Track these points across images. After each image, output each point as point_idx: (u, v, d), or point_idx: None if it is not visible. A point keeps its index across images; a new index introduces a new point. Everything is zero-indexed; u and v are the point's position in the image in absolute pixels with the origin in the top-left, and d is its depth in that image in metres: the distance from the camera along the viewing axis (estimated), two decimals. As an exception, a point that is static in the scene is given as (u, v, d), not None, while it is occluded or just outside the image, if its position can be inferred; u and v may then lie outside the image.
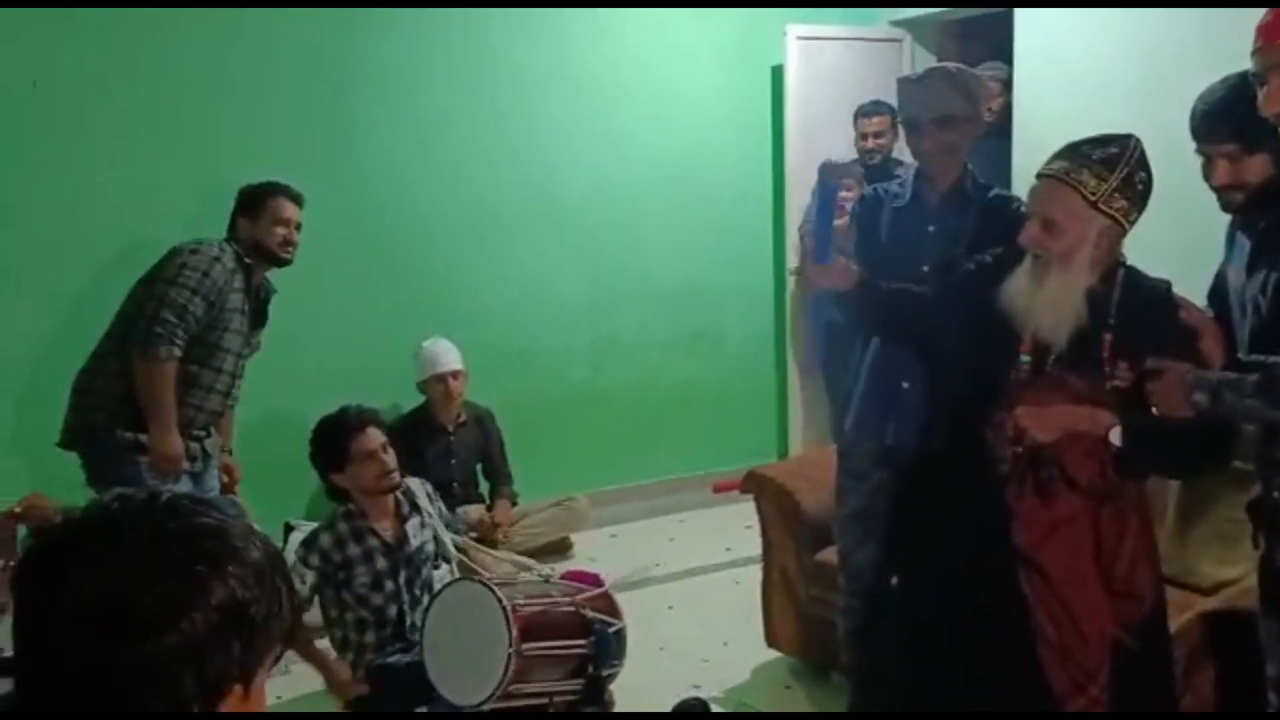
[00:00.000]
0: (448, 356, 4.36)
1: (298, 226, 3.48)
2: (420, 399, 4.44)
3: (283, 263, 3.48)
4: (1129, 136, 2.09)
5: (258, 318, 3.53)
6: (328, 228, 4.41)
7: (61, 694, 0.83)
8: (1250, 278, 2.08)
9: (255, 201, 3.43)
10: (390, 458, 3.09)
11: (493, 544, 4.12)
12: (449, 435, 4.40)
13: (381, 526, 3.11)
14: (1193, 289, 2.25)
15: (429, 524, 3.25)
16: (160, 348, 3.20)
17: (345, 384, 4.15)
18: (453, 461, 4.39)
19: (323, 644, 3.06)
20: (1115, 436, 2.05)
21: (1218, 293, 2.25)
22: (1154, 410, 2.01)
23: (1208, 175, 2.11)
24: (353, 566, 3.06)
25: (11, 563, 2.07)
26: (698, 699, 1.90)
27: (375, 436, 3.08)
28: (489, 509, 4.44)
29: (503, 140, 4.80)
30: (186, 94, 4.04)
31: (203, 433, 3.41)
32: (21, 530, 2.25)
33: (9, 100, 3.80)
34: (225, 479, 3.63)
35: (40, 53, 3.84)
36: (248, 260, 3.41)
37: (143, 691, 0.82)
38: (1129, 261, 2.17)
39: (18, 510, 2.25)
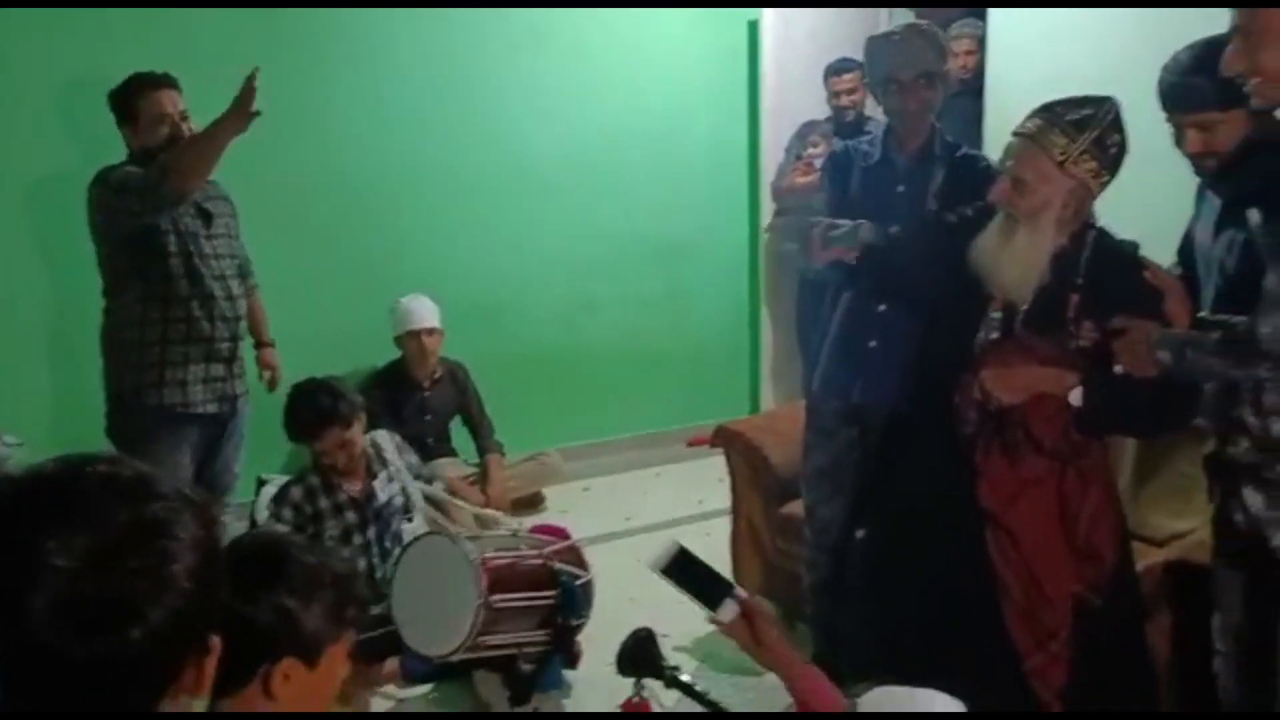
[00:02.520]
0: (424, 312, 4.35)
1: (184, 115, 3.13)
2: (397, 354, 4.44)
3: None
4: (1106, 98, 2.10)
5: (204, 213, 3.23)
6: (301, 186, 4.39)
7: (58, 690, 0.83)
8: (1217, 237, 2.11)
9: (126, 106, 3.13)
10: (347, 453, 3.10)
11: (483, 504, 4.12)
12: (424, 391, 4.40)
13: (350, 481, 3.14)
14: (1162, 248, 2.28)
15: (396, 477, 3.27)
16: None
17: (320, 341, 4.16)
18: (427, 418, 4.39)
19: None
20: (1076, 397, 2.08)
21: (1186, 252, 2.28)
22: (1118, 369, 2.04)
23: (1179, 143, 2.13)
24: (323, 520, 3.09)
25: None
26: (646, 629, 1.94)
27: (333, 439, 3.08)
28: (482, 475, 4.41)
29: (474, 98, 4.75)
30: (145, 55, 3.96)
31: (219, 365, 3.22)
32: None
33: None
34: (266, 374, 3.56)
35: None
36: None
37: (148, 668, 0.84)
38: (1101, 221, 2.19)
39: None
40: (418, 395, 4.39)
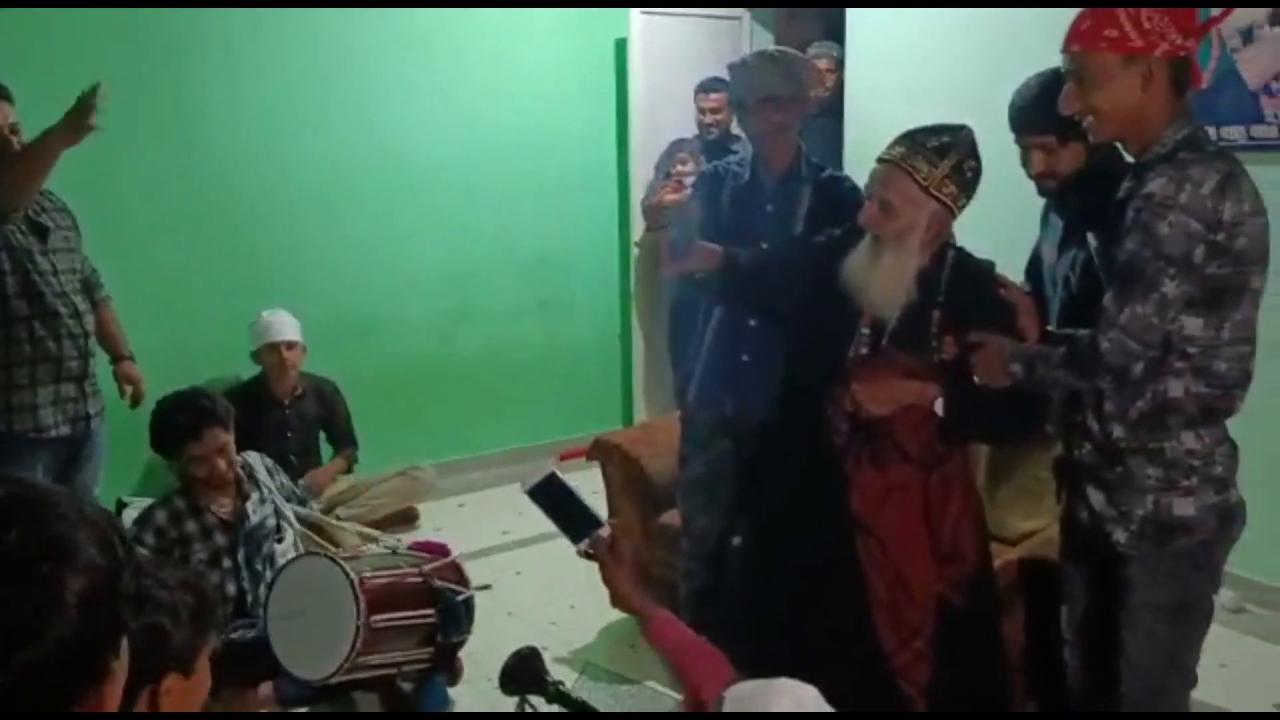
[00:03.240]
0: (282, 326, 4.24)
1: (14, 128, 2.98)
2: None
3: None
4: (962, 127, 2.21)
5: (39, 228, 3.08)
6: (164, 195, 4.24)
7: None
8: (1061, 256, 2.27)
9: None
10: (225, 459, 2.99)
11: (328, 510, 4.05)
12: (284, 408, 4.29)
13: (219, 504, 3.04)
14: (1013, 267, 2.44)
15: (269, 499, 3.19)
16: None
17: (184, 356, 4.02)
18: (289, 434, 4.28)
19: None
20: (939, 408, 2.20)
21: (1033, 269, 2.44)
22: (975, 381, 2.15)
23: (1026, 164, 2.28)
24: (190, 543, 2.98)
25: None
26: (530, 647, 1.95)
27: (212, 440, 2.97)
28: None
29: (345, 108, 4.68)
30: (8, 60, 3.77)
31: (70, 385, 3.10)
32: None
33: None
34: (128, 389, 3.42)
35: None
36: None
37: (40, 695, 0.82)
38: (959, 242, 2.32)
39: None
40: (278, 412, 4.27)
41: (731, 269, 2.51)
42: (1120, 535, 2.03)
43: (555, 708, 1.96)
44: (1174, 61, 1.90)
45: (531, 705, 2.01)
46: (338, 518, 3.96)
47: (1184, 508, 1.98)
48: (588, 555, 1.82)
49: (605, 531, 1.82)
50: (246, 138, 4.44)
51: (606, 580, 1.82)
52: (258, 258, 4.50)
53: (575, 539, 1.81)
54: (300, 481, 4.02)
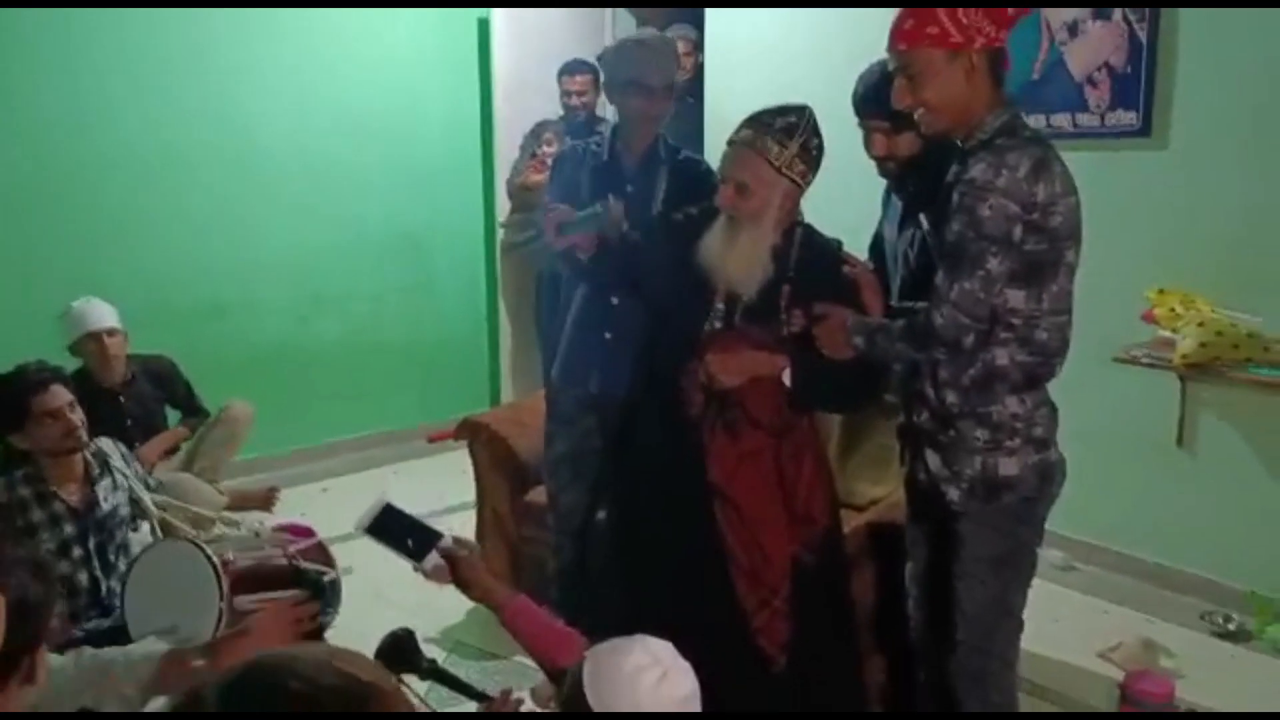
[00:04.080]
0: (99, 314, 4.03)
1: None
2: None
3: None
4: (804, 107, 2.30)
5: None
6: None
7: None
8: (901, 234, 2.41)
9: None
10: (77, 416, 2.91)
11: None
12: (117, 395, 4.11)
13: (67, 490, 2.94)
14: (859, 246, 2.57)
15: (122, 485, 3.10)
16: None
17: (12, 348, 3.83)
18: (128, 422, 4.10)
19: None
20: (786, 378, 2.30)
21: (877, 247, 2.58)
22: (821, 352, 2.27)
23: (868, 146, 2.41)
24: (36, 533, 2.87)
25: None
26: (405, 628, 2.00)
27: (60, 394, 2.89)
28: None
29: (189, 84, 4.53)
30: None
31: None
32: None
33: None
34: None
35: None
36: None
37: None
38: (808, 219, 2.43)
39: None
40: (111, 400, 4.07)
41: (605, 248, 2.55)
42: (953, 494, 2.18)
43: (429, 684, 2.00)
44: (991, 53, 2.05)
45: (405, 685, 2.04)
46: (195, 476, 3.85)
47: (1008, 467, 2.14)
48: (434, 573, 1.88)
49: (447, 540, 1.90)
50: (79, 115, 4.25)
51: (459, 582, 1.94)
52: (92, 242, 4.33)
53: (419, 558, 1.85)
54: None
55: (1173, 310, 3.46)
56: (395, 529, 1.85)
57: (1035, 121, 3.82)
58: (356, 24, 5.01)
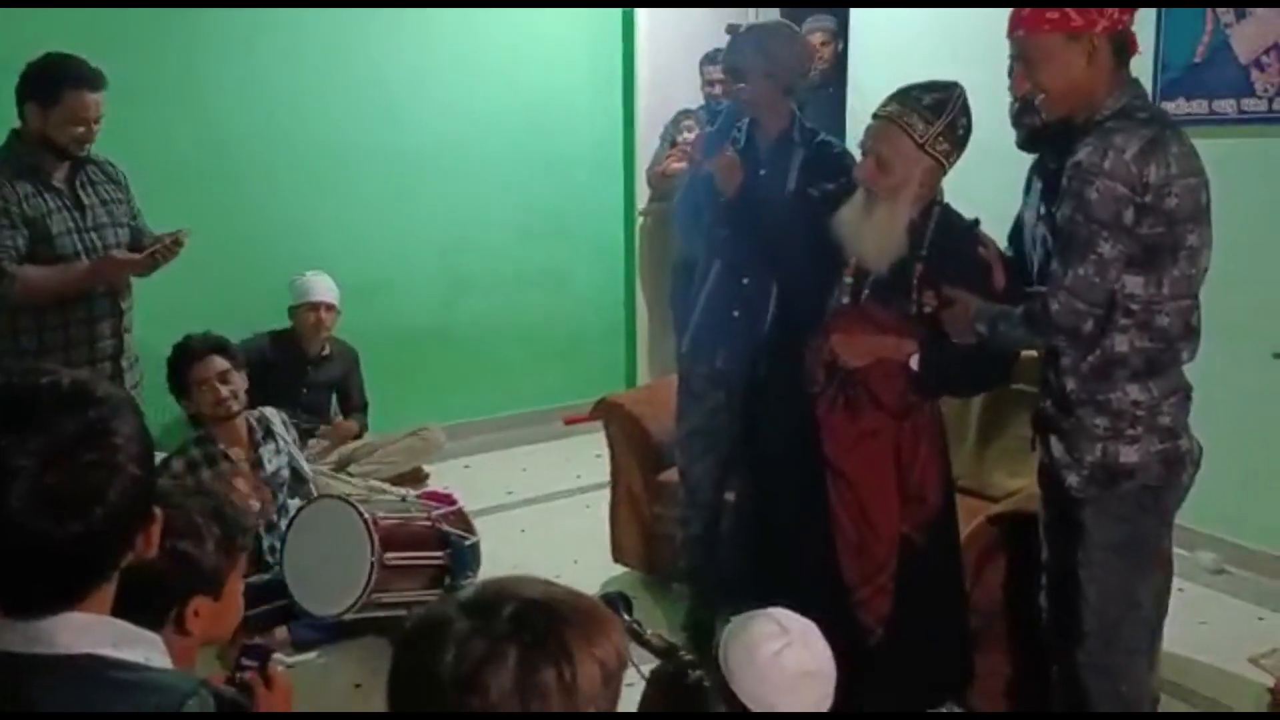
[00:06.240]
0: (324, 288, 4.36)
1: (98, 119, 2.98)
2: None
3: (73, 159, 3.03)
4: (954, 84, 2.27)
5: (79, 204, 3.06)
6: (180, 164, 4.34)
7: (44, 564, 0.99)
8: (1040, 217, 2.37)
9: (47, 89, 2.92)
10: (229, 386, 3.11)
11: (341, 467, 4.17)
12: (308, 364, 4.40)
13: (234, 452, 3.16)
14: (999, 232, 2.53)
15: (284, 450, 3.31)
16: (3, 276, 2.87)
17: (198, 320, 4.12)
18: (304, 390, 4.39)
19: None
20: (914, 363, 2.29)
21: (1018, 231, 2.54)
22: (946, 337, 2.25)
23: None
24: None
25: None
26: (618, 590, 2.04)
27: (213, 365, 3.10)
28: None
29: (359, 83, 4.80)
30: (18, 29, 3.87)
31: (105, 365, 3.07)
32: None
33: None
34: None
35: None
36: (33, 159, 2.95)
37: (107, 540, 1.01)
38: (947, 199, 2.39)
39: None
40: (301, 368, 4.38)
41: (745, 206, 2.60)
42: (1073, 480, 2.15)
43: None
44: (1114, 35, 2.00)
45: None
46: (349, 474, 4.08)
47: (1129, 454, 2.10)
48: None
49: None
50: (267, 111, 4.57)
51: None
52: (268, 225, 4.63)
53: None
54: (318, 430, 4.15)
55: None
56: None
57: (1196, 107, 3.66)
58: (508, 20, 5.17)
